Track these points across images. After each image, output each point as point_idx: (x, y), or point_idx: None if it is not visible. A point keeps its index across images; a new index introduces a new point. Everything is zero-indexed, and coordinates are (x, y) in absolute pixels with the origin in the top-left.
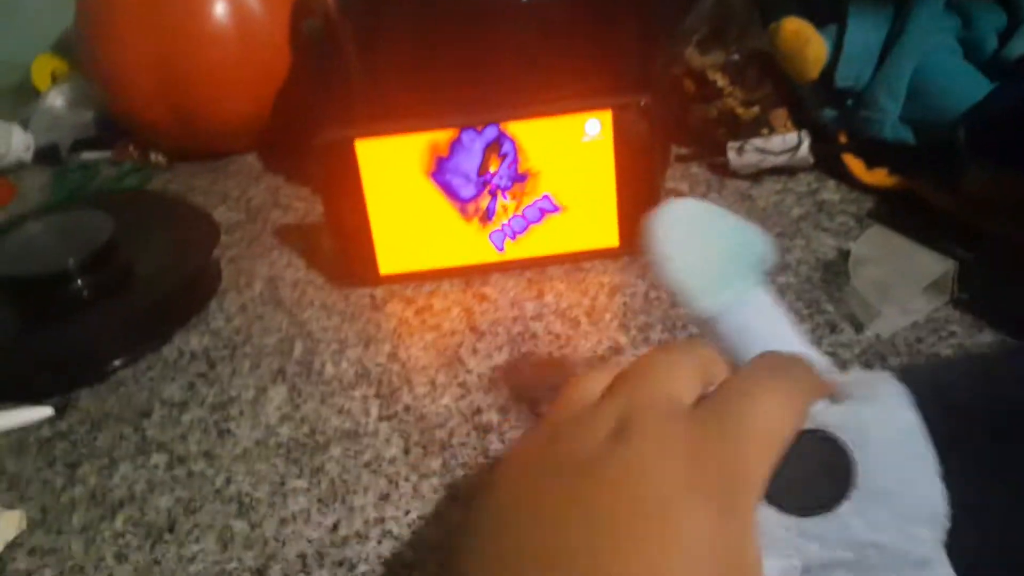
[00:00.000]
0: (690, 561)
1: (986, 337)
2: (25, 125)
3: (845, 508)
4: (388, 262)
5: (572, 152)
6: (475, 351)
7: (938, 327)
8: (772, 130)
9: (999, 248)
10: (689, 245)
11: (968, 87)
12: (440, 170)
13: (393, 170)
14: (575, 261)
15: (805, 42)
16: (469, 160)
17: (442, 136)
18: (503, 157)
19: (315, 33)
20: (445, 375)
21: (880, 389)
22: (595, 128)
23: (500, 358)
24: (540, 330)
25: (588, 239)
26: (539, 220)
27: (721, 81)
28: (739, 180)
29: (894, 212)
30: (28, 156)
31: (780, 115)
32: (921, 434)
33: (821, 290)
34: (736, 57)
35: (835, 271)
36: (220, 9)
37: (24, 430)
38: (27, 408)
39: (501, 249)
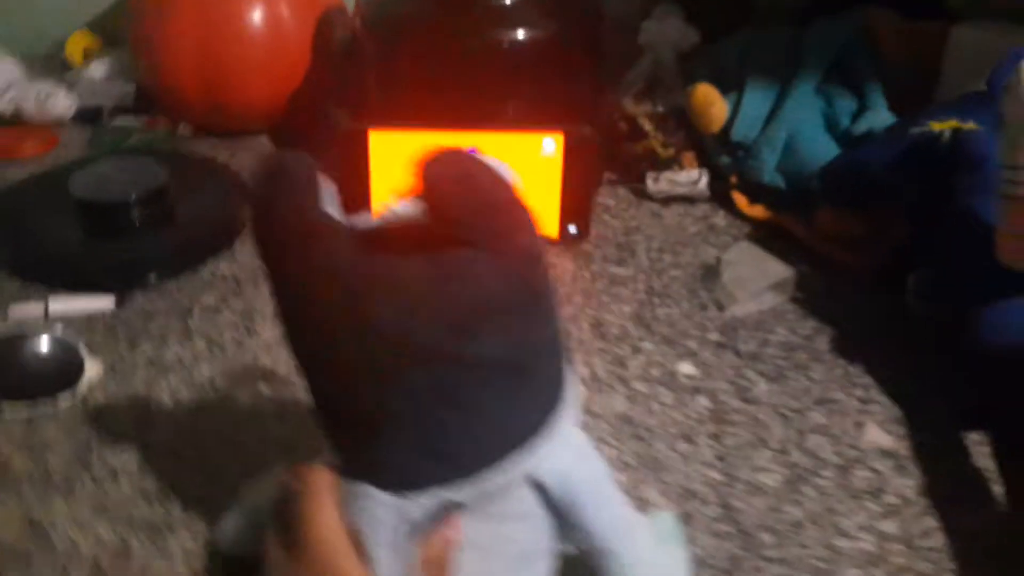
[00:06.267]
0: None
1: (811, 323)
2: (69, 89)
3: None
4: None
5: (531, 162)
6: None
7: (778, 314)
8: (682, 167)
9: (830, 265)
10: None
11: (824, 150)
12: None
13: (395, 158)
14: None
15: (711, 104)
16: None
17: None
18: None
19: (342, 44)
20: None
21: None
22: (550, 146)
23: None
24: None
25: None
26: None
27: (648, 126)
28: (653, 203)
29: (764, 237)
30: (69, 114)
31: (689, 156)
32: None
33: (700, 282)
34: (661, 109)
35: (712, 271)
36: (257, 13)
37: (92, 316)
38: (95, 296)
39: None
